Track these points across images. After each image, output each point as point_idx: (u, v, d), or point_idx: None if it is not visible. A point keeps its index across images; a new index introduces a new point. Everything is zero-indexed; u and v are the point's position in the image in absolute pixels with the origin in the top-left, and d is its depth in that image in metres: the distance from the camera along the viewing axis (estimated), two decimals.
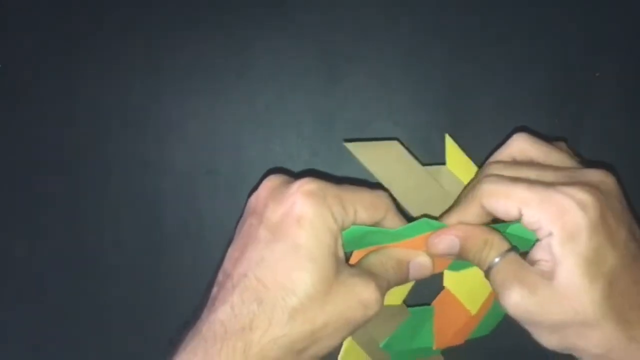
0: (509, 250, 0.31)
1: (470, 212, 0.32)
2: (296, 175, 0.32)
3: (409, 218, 0.35)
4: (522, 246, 0.32)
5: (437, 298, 0.37)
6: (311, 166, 0.44)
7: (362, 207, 0.31)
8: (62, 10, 0.44)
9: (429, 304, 0.37)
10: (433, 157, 0.41)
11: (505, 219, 0.31)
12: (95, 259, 0.44)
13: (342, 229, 0.30)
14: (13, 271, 0.45)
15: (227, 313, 0.29)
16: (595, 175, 0.31)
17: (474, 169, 0.38)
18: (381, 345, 0.35)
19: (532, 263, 0.30)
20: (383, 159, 0.35)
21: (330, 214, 0.29)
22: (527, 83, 0.44)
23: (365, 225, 0.31)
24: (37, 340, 0.45)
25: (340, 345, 0.31)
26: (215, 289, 0.31)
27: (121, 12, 0.44)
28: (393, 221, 0.33)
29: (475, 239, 0.32)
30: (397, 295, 0.37)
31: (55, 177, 0.44)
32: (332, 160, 0.44)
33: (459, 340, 0.37)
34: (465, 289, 0.36)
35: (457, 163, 0.37)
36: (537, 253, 0.30)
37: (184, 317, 0.44)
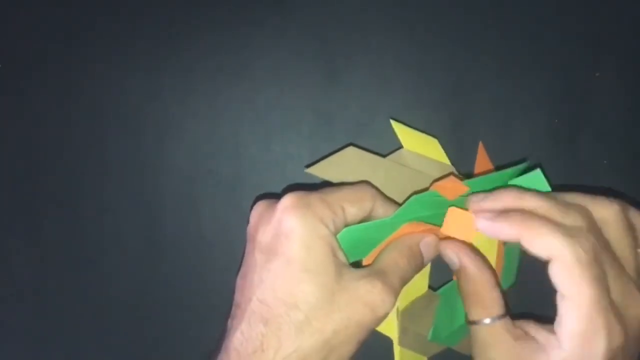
0: (501, 316, 0.31)
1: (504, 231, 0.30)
2: (281, 192, 0.32)
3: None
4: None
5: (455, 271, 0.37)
6: None
7: (348, 203, 0.31)
8: (62, 10, 0.44)
9: (449, 281, 0.37)
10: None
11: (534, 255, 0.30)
12: (95, 259, 0.44)
13: (336, 231, 0.30)
14: (13, 271, 0.45)
15: (238, 339, 0.29)
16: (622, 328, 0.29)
17: (430, 140, 0.38)
18: (429, 338, 0.35)
19: (522, 335, 0.30)
20: (346, 168, 0.35)
21: (319, 220, 0.29)
22: (527, 83, 0.44)
23: (357, 221, 0.31)
24: (37, 340, 0.45)
25: (360, 349, 0.30)
26: (229, 321, 0.31)
27: (121, 12, 0.44)
28: (383, 208, 0.32)
29: (469, 282, 0.32)
30: (420, 284, 0.36)
31: (55, 177, 0.44)
32: None
33: None
34: None
35: (412, 141, 0.38)
36: (537, 331, 0.30)
37: (184, 316, 0.45)
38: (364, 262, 0.34)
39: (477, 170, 0.38)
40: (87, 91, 0.44)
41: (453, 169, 0.37)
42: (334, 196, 0.31)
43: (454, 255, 0.32)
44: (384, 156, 0.37)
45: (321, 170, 0.34)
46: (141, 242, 0.44)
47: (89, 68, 0.44)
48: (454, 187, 0.33)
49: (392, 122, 0.38)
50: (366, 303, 0.29)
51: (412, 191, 0.35)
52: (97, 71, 0.44)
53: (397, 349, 0.35)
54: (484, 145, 0.41)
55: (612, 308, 0.28)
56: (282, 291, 0.28)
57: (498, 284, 0.32)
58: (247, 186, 0.44)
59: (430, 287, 0.38)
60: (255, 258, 0.30)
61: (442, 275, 0.37)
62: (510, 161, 0.42)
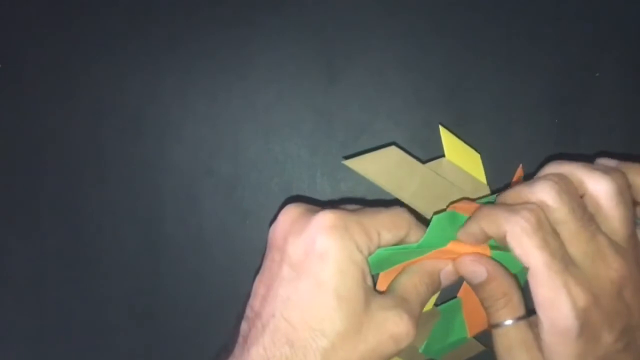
0: (522, 317, 0.31)
1: (493, 229, 0.31)
2: (313, 202, 0.31)
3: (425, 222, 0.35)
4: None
5: (462, 288, 0.37)
6: (311, 166, 0.44)
7: (385, 229, 0.30)
8: (62, 10, 0.44)
9: (454, 297, 0.37)
10: (433, 157, 0.41)
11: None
12: (95, 259, 0.44)
13: (368, 256, 0.30)
14: (13, 271, 0.45)
15: (259, 354, 0.28)
16: (615, 264, 0.30)
17: (473, 154, 0.38)
18: (420, 350, 0.35)
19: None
20: (384, 167, 0.35)
21: (354, 245, 0.29)
22: (527, 83, 0.44)
23: (390, 245, 0.31)
24: (37, 340, 0.45)
25: None
26: (244, 325, 0.31)
27: (121, 12, 0.44)
28: (416, 236, 0.32)
29: (497, 287, 0.32)
30: (429, 302, 0.37)
31: (55, 177, 0.44)
32: (332, 160, 0.44)
33: None
34: None
35: (456, 152, 0.37)
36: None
37: (184, 316, 0.44)
38: (380, 278, 0.33)
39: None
40: (87, 91, 0.44)
41: (488, 189, 0.38)
42: (372, 221, 0.30)
43: (480, 267, 0.32)
44: (424, 162, 0.37)
45: (359, 165, 0.34)
46: (141, 242, 0.44)
47: (89, 68, 0.44)
48: (469, 207, 0.34)
49: (441, 129, 0.37)
50: (392, 335, 0.29)
51: (441, 205, 0.35)
52: (97, 71, 0.44)
53: None
54: (483, 145, 0.41)
55: (571, 270, 0.29)
56: (310, 315, 0.28)
57: (516, 286, 0.32)
58: (247, 186, 0.44)
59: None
60: (283, 271, 0.30)
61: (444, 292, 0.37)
62: (510, 161, 0.42)
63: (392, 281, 0.32)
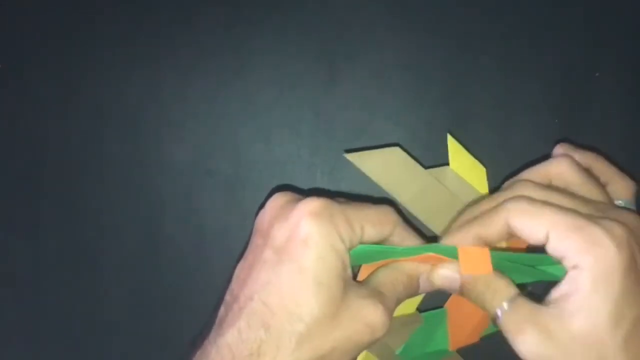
0: (517, 295, 0.30)
1: (492, 228, 0.31)
2: (303, 193, 0.31)
3: (416, 225, 0.35)
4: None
5: (449, 300, 0.37)
6: (311, 166, 0.44)
7: (369, 224, 0.30)
8: (62, 10, 0.44)
9: (441, 306, 0.37)
10: (434, 157, 0.41)
11: (530, 242, 0.30)
12: (94, 259, 0.44)
13: (350, 247, 0.30)
14: (13, 271, 0.44)
15: (234, 337, 0.28)
16: (629, 217, 0.30)
17: (478, 167, 0.37)
18: (397, 352, 0.35)
19: (549, 303, 0.29)
20: (385, 166, 0.34)
21: (337, 234, 0.29)
22: (527, 83, 0.44)
23: (373, 242, 0.31)
24: (36, 340, 0.45)
25: None
26: (222, 310, 0.31)
27: (121, 12, 0.44)
28: (401, 236, 0.32)
29: (476, 281, 0.31)
30: (410, 304, 0.36)
31: (55, 177, 0.44)
32: (332, 160, 0.44)
33: (474, 339, 0.37)
34: None
35: (461, 163, 0.37)
36: (558, 290, 0.29)
37: (184, 317, 0.44)
38: (362, 270, 0.33)
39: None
40: (87, 91, 0.44)
41: None
42: (357, 213, 0.30)
43: (450, 273, 0.32)
44: (426, 166, 0.36)
45: (360, 160, 0.34)
46: (141, 241, 0.44)
47: (89, 68, 0.44)
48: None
49: (449, 138, 0.37)
50: (368, 324, 0.29)
51: (439, 213, 0.35)
52: (97, 71, 0.44)
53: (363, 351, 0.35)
54: (484, 145, 0.41)
55: (591, 217, 0.29)
56: (289, 299, 0.28)
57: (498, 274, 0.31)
58: (247, 186, 0.44)
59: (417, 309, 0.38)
60: (265, 255, 0.30)
61: (434, 300, 0.37)
62: (510, 161, 0.42)
63: (371, 274, 0.32)
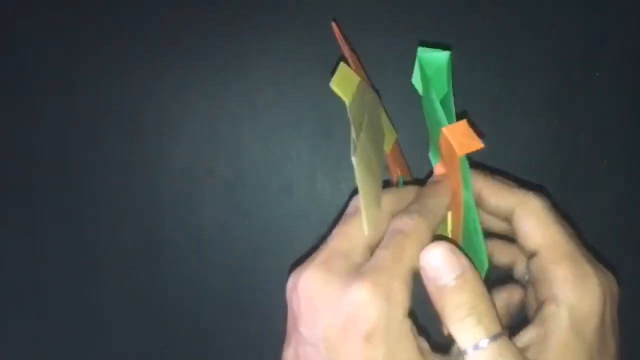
0: (500, 334, 0.25)
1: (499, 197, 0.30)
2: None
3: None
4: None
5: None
6: (311, 166, 0.44)
7: (414, 261, 0.26)
8: (62, 10, 0.44)
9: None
10: None
11: (519, 241, 0.29)
12: (94, 259, 0.44)
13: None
14: (13, 271, 0.44)
15: None
16: (608, 278, 0.28)
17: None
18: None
19: (524, 344, 0.26)
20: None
21: (402, 311, 0.25)
22: (527, 83, 0.44)
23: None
24: (36, 340, 0.45)
25: None
26: None
27: (121, 12, 0.44)
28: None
29: (466, 295, 0.26)
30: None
31: (55, 177, 0.44)
32: (332, 160, 0.44)
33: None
34: None
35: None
36: (532, 330, 0.27)
37: (184, 317, 0.44)
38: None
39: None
40: (87, 91, 0.44)
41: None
42: (404, 264, 0.26)
43: (455, 259, 0.26)
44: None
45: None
46: (141, 242, 0.44)
47: (89, 68, 0.44)
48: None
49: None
50: None
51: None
52: (97, 71, 0.44)
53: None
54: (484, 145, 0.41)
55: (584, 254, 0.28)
56: None
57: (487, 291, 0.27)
58: (247, 186, 0.44)
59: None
60: (321, 353, 0.25)
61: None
62: (511, 161, 0.42)
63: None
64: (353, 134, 0.30)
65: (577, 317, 0.26)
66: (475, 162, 0.38)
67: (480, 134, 0.29)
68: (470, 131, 0.28)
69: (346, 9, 0.44)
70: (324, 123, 0.44)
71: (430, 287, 0.26)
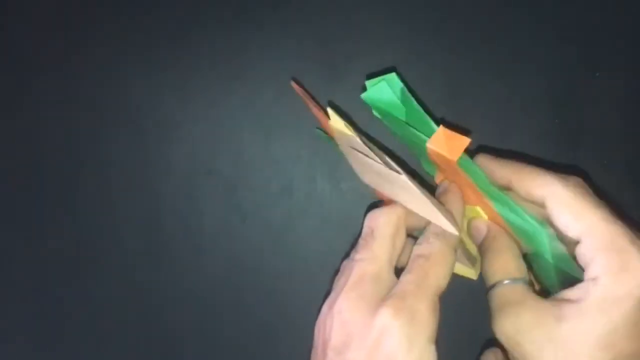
0: (522, 279, 0.29)
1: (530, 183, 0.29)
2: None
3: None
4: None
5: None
6: (311, 166, 0.44)
7: (445, 279, 0.29)
8: (62, 10, 0.44)
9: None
10: None
11: (562, 232, 0.28)
12: (95, 259, 0.44)
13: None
14: (13, 271, 0.44)
15: None
16: None
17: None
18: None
19: (552, 300, 0.27)
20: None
21: (427, 337, 0.27)
22: (527, 83, 0.44)
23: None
24: (36, 340, 0.45)
25: None
26: None
27: (121, 13, 0.44)
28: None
29: (498, 246, 0.30)
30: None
31: (55, 177, 0.44)
32: (332, 160, 0.44)
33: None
34: None
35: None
36: (566, 293, 0.27)
37: (183, 316, 0.44)
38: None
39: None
40: (87, 91, 0.44)
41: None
42: (428, 287, 0.28)
43: (482, 223, 0.32)
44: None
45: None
46: (141, 242, 0.44)
47: (89, 68, 0.44)
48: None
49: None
50: None
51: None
52: (97, 71, 0.44)
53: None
54: (484, 145, 0.41)
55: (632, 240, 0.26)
56: None
57: (520, 254, 0.31)
58: (247, 186, 0.44)
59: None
60: None
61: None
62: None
63: None
64: (384, 157, 0.31)
65: (608, 297, 0.26)
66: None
67: (461, 130, 0.28)
68: (451, 133, 0.29)
69: (346, 8, 0.44)
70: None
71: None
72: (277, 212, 0.44)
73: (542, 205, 0.29)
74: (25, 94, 0.44)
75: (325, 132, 0.36)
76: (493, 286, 0.29)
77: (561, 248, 0.29)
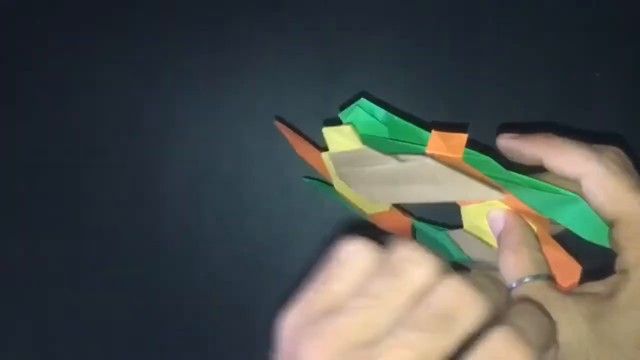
0: (545, 276, 0.26)
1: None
2: None
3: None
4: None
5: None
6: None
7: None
8: (62, 10, 0.44)
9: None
10: None
11: (598, 211, 0.26)
12: (95, 259, 0.44)
13: None
14: (13, 271, 0.45)
15: None
16: None
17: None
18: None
19: (580, 293, 0.26)
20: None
21: None
22: (526, 83, 0.44)
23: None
24: (37, 340, 0.45)
25: None
26: None
27: (121, 13, 0.44)
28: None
29: (518, 243, 0.27)
30: None
31: (55, 177, 0.44)
32: None
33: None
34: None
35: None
36: (590, 286, 0.26)
37: (184, 317, 0.44)
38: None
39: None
40: (87, 91, 0.44)
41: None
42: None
43: (499, 215, 0.28)
44: None
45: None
46: (141, 241, 0.44)
47: (89, 68, 0.44)
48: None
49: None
50: None
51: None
52: (97, 71, 0.44)
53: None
54: (484, 145, 0.41)
55: None
56: None
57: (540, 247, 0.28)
58: (247, 186, 0.44)
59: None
60: None
61: None
62: (510, 160, 0.42)
63: None
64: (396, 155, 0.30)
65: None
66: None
67: (455, 128, 0.28)
68: (447, 134, 0.28)
69: (346, 9, 0.44)
70: (324, 123, 0.44)
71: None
72: (277, 212, 0.44)
73: (578, 183, 0.27)
74: (25, 94, 0.44)
75: (315, 178, 0.36)
76: (515, 285, 0.27)
77: (600, 222, 0.27)
